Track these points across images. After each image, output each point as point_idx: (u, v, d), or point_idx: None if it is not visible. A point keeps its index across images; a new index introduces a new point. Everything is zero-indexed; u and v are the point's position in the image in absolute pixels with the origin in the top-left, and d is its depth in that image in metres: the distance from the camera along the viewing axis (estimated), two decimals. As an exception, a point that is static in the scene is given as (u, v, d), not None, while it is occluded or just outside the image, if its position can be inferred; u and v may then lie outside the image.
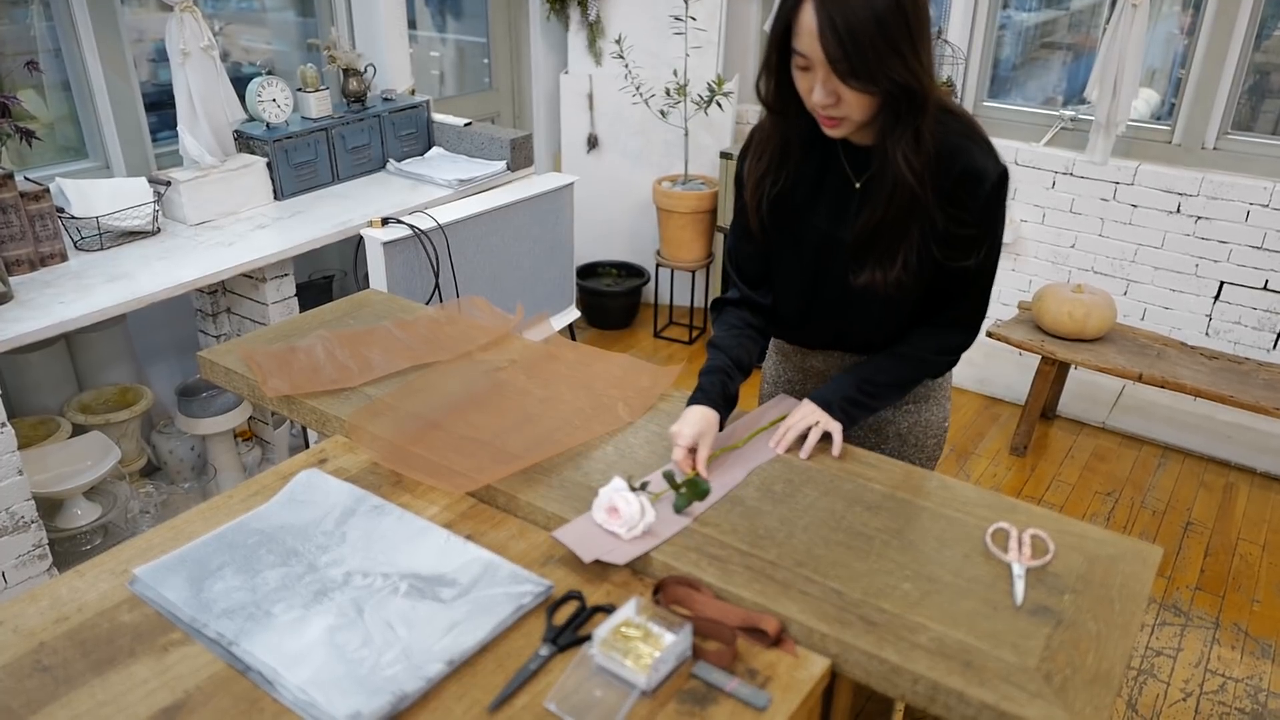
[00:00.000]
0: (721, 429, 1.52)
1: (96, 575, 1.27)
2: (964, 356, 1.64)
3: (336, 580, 1.25)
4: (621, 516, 1.30)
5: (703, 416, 1.48)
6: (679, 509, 1.36)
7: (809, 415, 1.53)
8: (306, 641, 1.14)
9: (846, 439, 1.56)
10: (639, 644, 1.11)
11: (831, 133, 1.40)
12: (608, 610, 1.20)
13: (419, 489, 1.46)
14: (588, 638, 1.14)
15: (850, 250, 1.48)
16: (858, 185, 1.48)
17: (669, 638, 1.11)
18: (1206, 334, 3.59)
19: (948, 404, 1.74)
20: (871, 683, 1.14)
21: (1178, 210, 3.49)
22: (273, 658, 1.11)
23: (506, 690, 1.08)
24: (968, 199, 1.41)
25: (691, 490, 1.37)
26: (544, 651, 1.14)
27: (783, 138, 1.48)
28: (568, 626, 1.17)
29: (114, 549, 1.32)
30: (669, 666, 1.10)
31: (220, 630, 1.16)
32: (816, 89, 1.33)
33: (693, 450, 1.46)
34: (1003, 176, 1.42)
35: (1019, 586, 1.23)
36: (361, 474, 1.50)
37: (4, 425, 2.05)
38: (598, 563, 1.27)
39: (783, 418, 1.58)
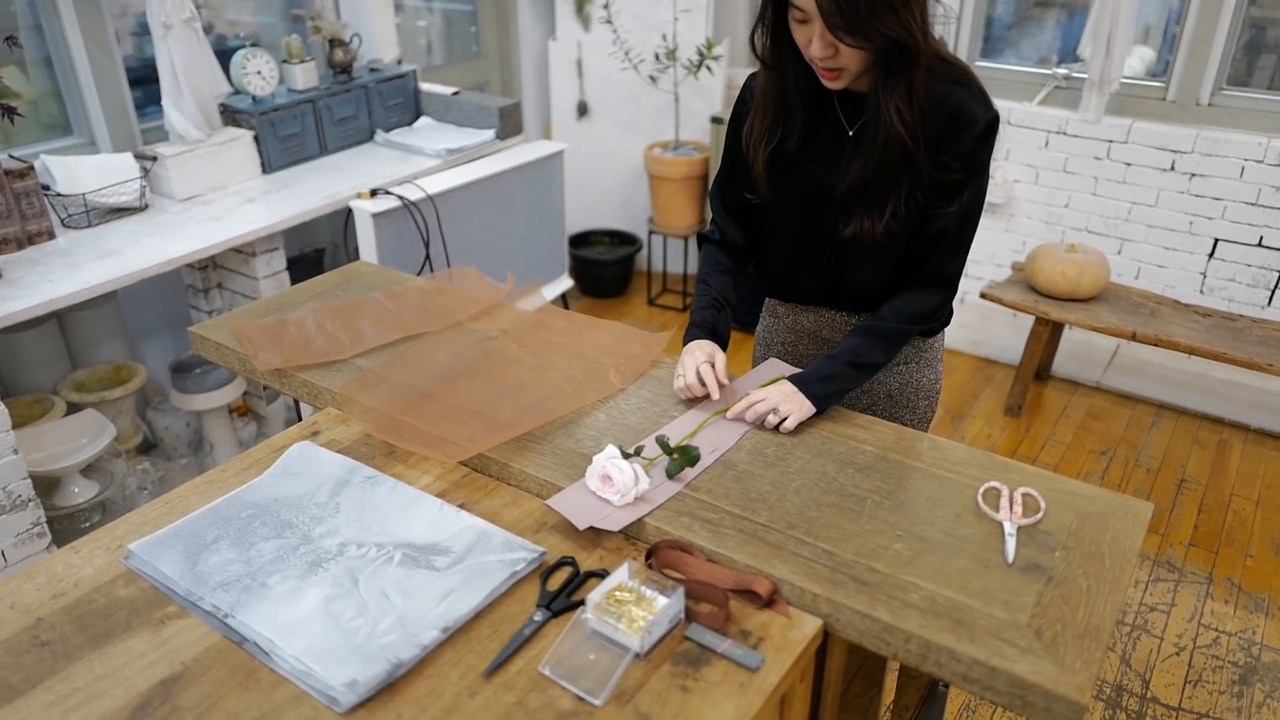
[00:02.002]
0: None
1: (92, 551, 1.27)
2: (958, 319, 1.64)
3: (331, 551, 1.26)
4: (615, 484, 1.30)
5: (709, 344, 1.60)
6: (672, 474, 1.37)
7: (784, 399, 1.50)
8: (302, 612, 1.15)
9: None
10: (632, 608, 1.11)
11: (831, 84, 1.42)
12: (601, 575, 1.21)
13: (412, 459, 1.46)
14: (581, 603, 1.14)
15: (840, 199, 1.48)
16: (850, 132, 1.48)
17: (662, 601, 1.12)
18: (1201, 292, 3.59)
19: (939, 365, 1.74)
20: (864, 642, 1.15)
21: (1172, 168, 3.48)
22: (269, 628, 1.12)
23: (501, 656, 1.09)
24: (955, 142, 1.41)
25: (684, 456, 1.37)
26: (538, 617, 1.15)
27: (781, 93, 1.49)
28: (561, 592, 1.18)
29: (109, 525, 1.32)
30: (662, 630, 1.11)
31: (216, 602, 1.16)
32: (814, 41, 1.34)
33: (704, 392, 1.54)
34: (992, 123, 1.42)
35: (1010, 544, 1.24)
36: (354, 445, 1.50)
37: (-3, 404, 2.05)
38: (591, 529, 1.28)
39: (773, 381, 1.59)
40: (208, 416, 2.82)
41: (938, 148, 1.41)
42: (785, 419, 1.48)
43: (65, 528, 2.46)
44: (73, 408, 2.56)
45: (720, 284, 1.68)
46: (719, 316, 1.65)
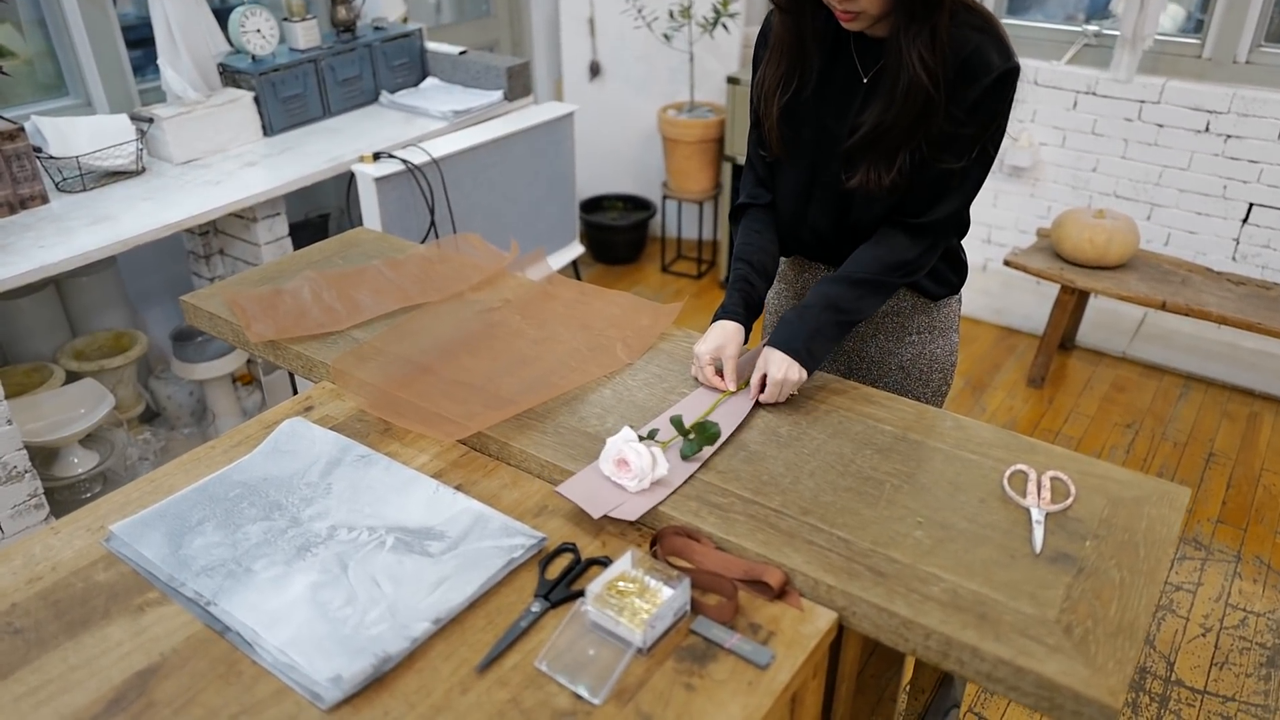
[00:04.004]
0: (748, 339, 1.52)
1: (72, 532, 1.22)
2: (980, 286, 1.56)
3: (320, 534, 1.20)
4: (632, 469, 1.23)
5: (722, 331, 1.48)
6: (687, 455, 1.29)
7: (785, 374, 1.40)
8: (288, 600, 1.09)
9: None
10: (635, 599, 1.05)
11: (848, 26, 1.34)
12: (603, 563, 1.14)
13: (408, 437, 1.40)
14: (581, 593, 1.08)
15: (848, 149, 1.40)
16: (865, 80, 1.40)
17: (666, 592, 1.05)
18: (1233, 259, 3.47)
19: (955, 336, 1.65)
20: (881, 637, 1.08)
21: (1206, 129, 3.34)
22: (252, 617, 1.07)
23: (495, 649, 1.03)
24: (965, 90, 1.31)
25: (701, 435, 1.30)
26: (536, 608, 1.08)
27: (796, 37, 1.41)
28: (561, 581, 1.12)
29: (91, 504, 1.27)
30: (666, 623, 1.04)
31: (198, 589, 1.11)
32: None
33: (718, 372, 1.47)
34: (1008, 73, 1.32)
35: (1038, 533, 1.16)
36: (348, 422, 1.44)
37: (-9, 374, 2.00)
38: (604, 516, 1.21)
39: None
40: (210, 386, 2.77)
41: (947, 96, 1.32)
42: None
43: (65, 499, 2.43)
44: (72, 376, 2.51)
45: (756, 249, 1.55)
46: (750, 293, 1.52)
